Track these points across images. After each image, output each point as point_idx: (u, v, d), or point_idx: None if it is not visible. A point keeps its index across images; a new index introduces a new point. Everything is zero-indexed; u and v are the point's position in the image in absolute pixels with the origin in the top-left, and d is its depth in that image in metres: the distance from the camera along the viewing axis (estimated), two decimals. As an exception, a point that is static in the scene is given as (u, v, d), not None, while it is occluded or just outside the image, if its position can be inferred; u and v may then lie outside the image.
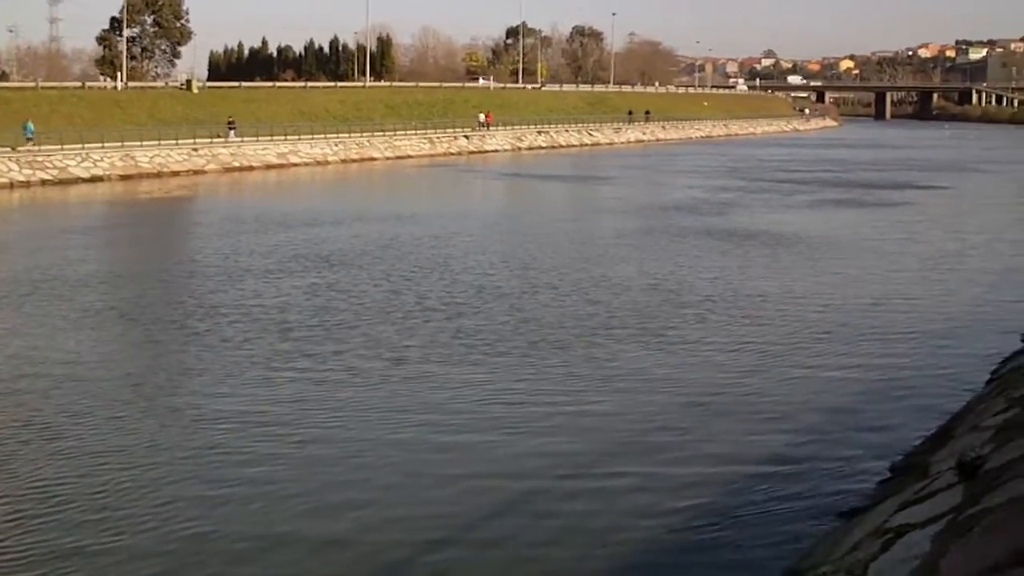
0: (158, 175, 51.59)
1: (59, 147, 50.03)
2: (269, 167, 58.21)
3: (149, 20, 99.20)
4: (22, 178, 45.97)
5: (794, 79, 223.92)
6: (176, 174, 52.46)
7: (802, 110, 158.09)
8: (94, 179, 48.68)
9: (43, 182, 46.53)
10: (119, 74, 79.80)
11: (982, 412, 11.67)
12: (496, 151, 76.62)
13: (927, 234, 33.31)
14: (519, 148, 79.84)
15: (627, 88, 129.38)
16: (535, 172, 61.93)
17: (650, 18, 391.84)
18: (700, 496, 10.98)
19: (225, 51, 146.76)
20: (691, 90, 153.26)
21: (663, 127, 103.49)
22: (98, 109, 63.12)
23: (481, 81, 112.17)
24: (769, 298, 21.81)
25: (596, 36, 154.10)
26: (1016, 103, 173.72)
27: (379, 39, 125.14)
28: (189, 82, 77.67)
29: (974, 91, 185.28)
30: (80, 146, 50.86)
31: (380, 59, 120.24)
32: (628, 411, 14.05)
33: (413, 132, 73.90)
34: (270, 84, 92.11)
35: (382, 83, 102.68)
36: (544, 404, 14.31)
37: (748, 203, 42.69)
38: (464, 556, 9.74)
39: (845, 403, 14.51)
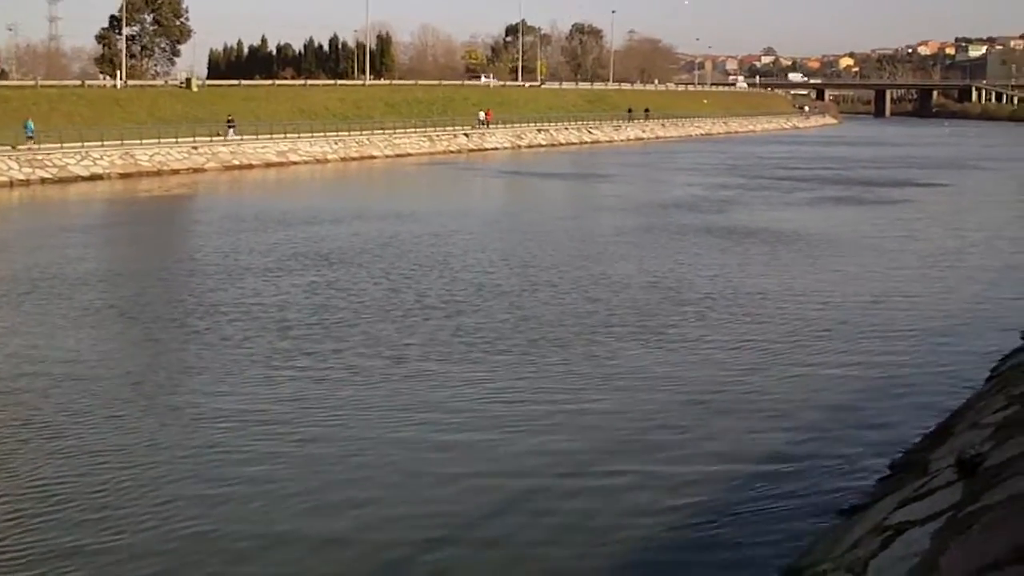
0: (158, 173, 51.60)
1: (59, 145, 50.03)
2: (269, 165, 58.21)
3: (149, 18, 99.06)
4: (22, 176, 45.98)
5: (794, 77, 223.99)
6: (176, 172, 52.46)
7: (802, 108, 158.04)
8: (94, 177, 48.69)
9: (43, 180, 46.53)
10: (119, 72, 79.78)
11: (982, 409, 11.67)
12: (496, 149, 76.60)
13: (927, 231, 33.30)
14: (519, 146, 79.82)
15: (627, 86, 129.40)
16: (535, 170, 61.92)
17: (650, 15, 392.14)
18: (700, 494, 10.99)
19: (225, 49, 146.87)
20: (691, 88, 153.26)
21: (663, 125, 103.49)
22: (98, 107, 63.12)
23: (483, 79, 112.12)
24: (769, 296, 21.81)
25: (596, 34, 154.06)
26: (1016, 100, 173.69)
27: (379, 37, 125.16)
28: (189, 80, 77.63)
29: (974, 89, 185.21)
30: (80, 144, 50.87)
31: (380, 57, 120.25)
32: (628, 409, 14.05)
33: (413, 130, 73.89)
34: (270, 82, 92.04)
35: (382, 81, 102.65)
36: (544, 402, 14.31)
37: (748, 201, 42.68)
38: (464, 555, 9.74)
39: (845, 401, 14.51)
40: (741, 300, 21.36)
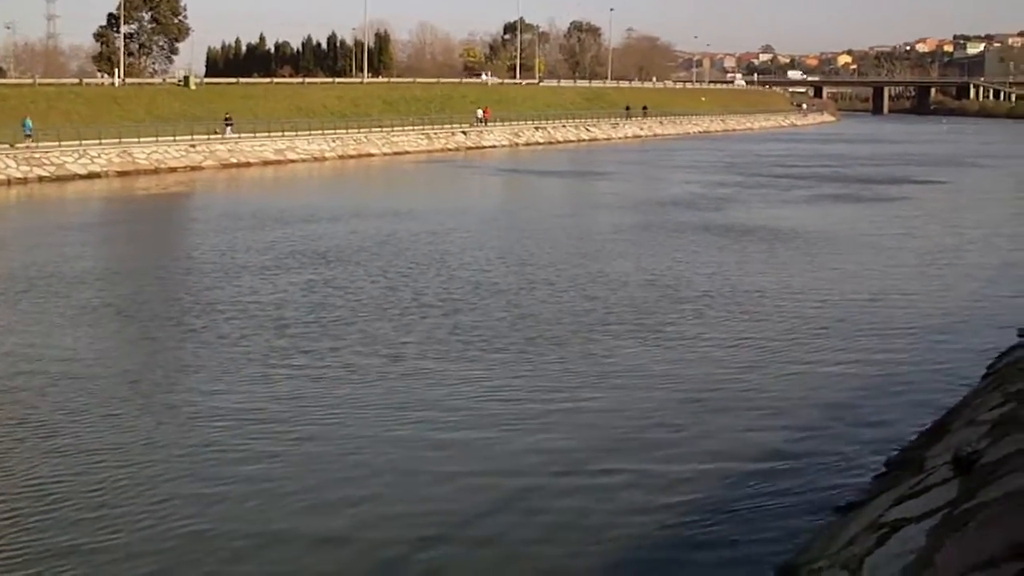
0: (155, 171, 51.57)
1: (56, 144, 50.03)
2: (266, 163, 58.17)
3: (147, 16, 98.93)
4: (19, 175, 45.95)
5: (792, 74, 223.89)
6: (173, 170, 52.42)
7: (800, 105, 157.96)
8: (91, 176, 48.66)
9: (40, 179, 46.52)
10: (116, 71, 79.75)
11: (978, 407, 11.67)
12: (494, 147, 76.58)
13: (925, 229, 33.31)
14: (516, 144, 79.79)
15: (625, 84, 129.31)
16: (532, 168, 61.89)
17: (648, 13, 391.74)
18: (696, 492, 10.99)
19: (223, 47, 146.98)
20: (689, 85, 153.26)
21: (660, 122, 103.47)
22: (96, 106, 63.04)
23: (484, 77, 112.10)
24: (766, 293, 21.81)
25: (594, 32, 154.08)
26: (1014, 97, 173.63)
27: (377, 35, 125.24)
28: (187, 78, 77.57)
29: (972, 86, 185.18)
30: (77, 143, 50.87)
31: (378, 55, 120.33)
32: (625, 407, 14.05)
33: (411, 128, 73.84)
34: (267, 80, 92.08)
35: (380, 79, 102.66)
36: (541, 400, 14.32)
37: (745, 198, 42.67)
38: (460, 553, 9.75)
39: (841, 398, 14.52)
40: (739, 298, 21.36)
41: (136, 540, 9.86)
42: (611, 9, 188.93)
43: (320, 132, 65.90)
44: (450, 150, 72.00)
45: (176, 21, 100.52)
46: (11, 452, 12.13)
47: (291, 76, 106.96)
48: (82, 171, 48.60)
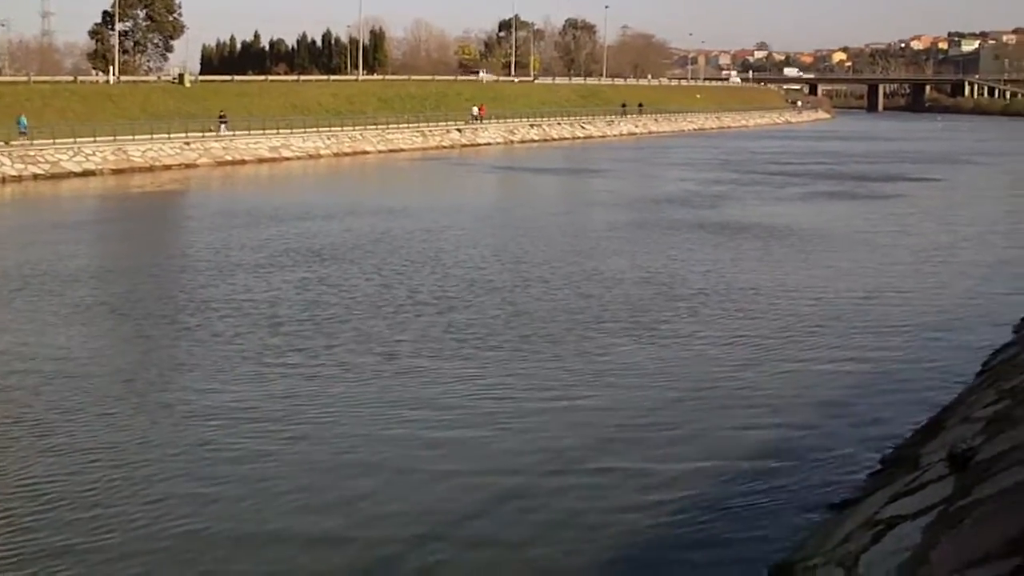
0: (150, 169, 51.47)
1: (51, 141, 49.92)
2: (261, 161, 58.08)
3: (141, 14, 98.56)
4: (14, 172, 45.83)
5: (787, 71, 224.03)
6: (168, 168, 52.32)
7: (795, 102, 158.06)
8: (86, 173, 48.54)
9: (35, 176, 46.41)
10: (111, 68, 79.55)
11: (973, 404, 11.69)
12: (489, 144, 76.53)
13: (919, 226, 33.35)
14: (511, 141, 79.74)
15: (620, 81, 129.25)
16: (527, 165, 61.87)
17: (643, 11, 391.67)
18: (691, 489, 10.99)
19: (217, 45, 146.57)
20: (684, 83, 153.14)
21: (656, 120, 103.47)
22: (90, 103, 62.89)
23: (480, 74, 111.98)
24: (761, 291, 21.82)
25: (589, 29, 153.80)
26: (1008, 95, 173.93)
27: (372, 32, 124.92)
28: (181, 76, 77.43)
29: (966, 83, 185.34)
30: (72, 140, 50.77)
31: (373, 52, 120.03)
32: (619, 405, 14.04)
33: (406, 125, 73.75)
34: (262, 78, 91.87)
35: (375, 76, 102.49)
36: (535, 399, 14.31)
37: (740, 196, 42.69)
38: (455, 551, 9.73)
39: (836, 396, 14.52)
40: (733, 295, 21.36)
41: (130, 540, 9.84)
42: (606, 6, 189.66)
43: (315, 129, 65.80)
44: (445, 148, 71.95)
45: (171, 19, 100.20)
46: (5, 451, 12.08)
47: (286, 73, 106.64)
48: (77, 169, 48.50)
